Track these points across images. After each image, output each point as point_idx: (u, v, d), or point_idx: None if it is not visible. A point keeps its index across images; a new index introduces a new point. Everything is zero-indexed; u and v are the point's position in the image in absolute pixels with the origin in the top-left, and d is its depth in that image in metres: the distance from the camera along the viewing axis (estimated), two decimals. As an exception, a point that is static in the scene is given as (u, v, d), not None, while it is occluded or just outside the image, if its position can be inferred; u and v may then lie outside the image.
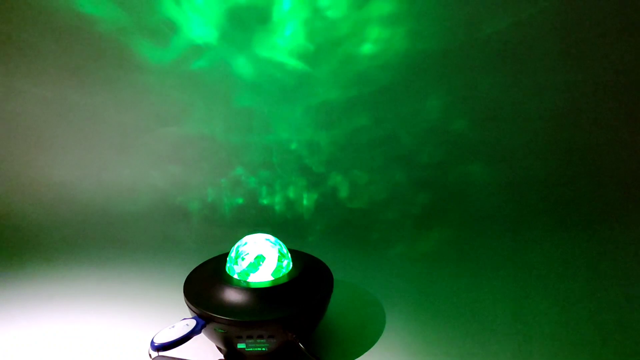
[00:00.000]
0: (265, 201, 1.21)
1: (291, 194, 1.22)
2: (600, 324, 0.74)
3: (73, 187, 1.18)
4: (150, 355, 0.57)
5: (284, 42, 1.17)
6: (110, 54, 1.14)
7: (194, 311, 0.61)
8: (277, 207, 1.21)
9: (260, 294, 0.62)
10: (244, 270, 0.66)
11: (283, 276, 0.66)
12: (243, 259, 0.67)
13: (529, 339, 0.71)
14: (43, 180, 1.18)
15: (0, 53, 1.12)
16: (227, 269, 0.68)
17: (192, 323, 0.59)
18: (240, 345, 0.60)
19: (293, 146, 1.23)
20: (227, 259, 0.69)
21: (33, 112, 1.17)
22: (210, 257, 0.76)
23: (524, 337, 0.71)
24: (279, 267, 0.67)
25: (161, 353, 0.57)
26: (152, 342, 0.56)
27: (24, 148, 1.18)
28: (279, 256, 0.68)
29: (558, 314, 0.78)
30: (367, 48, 1.18)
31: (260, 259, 0.66)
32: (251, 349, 0.60)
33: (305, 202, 1.22)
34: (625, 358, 0.66)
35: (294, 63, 1.19)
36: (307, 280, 0.66)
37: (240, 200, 1.21)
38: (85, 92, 1.17)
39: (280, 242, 0.71)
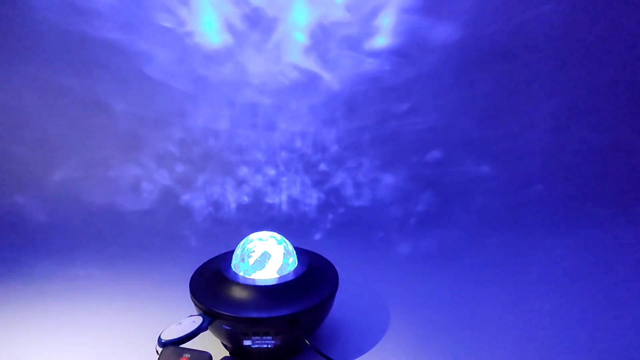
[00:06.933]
0: (270, 200, 1.22)
1: (296, 192, 1.22)
2: (600, 323, 0.74)
3: (77, 186, 1.19)
4: (157, 351, 0.57)
5: (291, 39, 1.17)
6: (117, 50, 1.15)
7: (200, 308, 0.62)
8: (282, 206, 1.22)
9: (266, 291, 0.62)
10: (249, 267, 0.66)
11: (289, 274, 0.66)
12: (249, 256, 0.67)
13: (530, 338, 0.71)
14: (46, 178, 1.19)
15: (2, 47, 1.13)
16: (233, 267, 0.68)
17: (199, 320, 0.60)
18: (246, 342, 0.60)
19: (298, 144, 1.24)
20: (233, 256, 0.70)
21: (36, 109, 1.17)
22: (216, 255, 0.76)
23: (525, 336, 0.71)
24: (284, 264, 0.67)
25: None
26: (159, 338, 0.57)
27: (27, 145, 1.19)
28: (284, 254, 0.68)
29: (558, 314, 0.78)
30: (373, 47, 1.18)
31: (266, 256, 0.67)
32: (257, 346, 0.61)
33: (310, 200, 1.22)
34: (624, 358, 0.66)
35: (299, 61, 1.19)
36: (313, 278, 0.66)
37: (245, 199, 1.22)
38: (90, 89, 1.17)
39: (286, 240, 0.71)
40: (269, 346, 0.61)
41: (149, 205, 1.19)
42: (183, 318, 0.61)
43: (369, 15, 1.16)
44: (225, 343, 0.66)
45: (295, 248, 0.73)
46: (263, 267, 0.66)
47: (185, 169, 1.22)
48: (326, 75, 1.20)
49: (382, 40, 1.18)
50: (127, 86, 1.18)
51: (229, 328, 0.60)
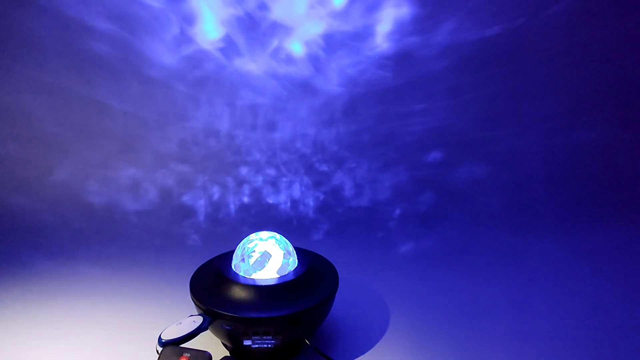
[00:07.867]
0: (270, 200, 1.22)
1: (296, 192, 1.23)
2: (599, 323, 0.75)
3: (77, 186, 1.19)
4: (157, 351, 0.57)
5: (292, 40, 1.18)
6: (117, 49, 1.15)
7: (200, 308, 0.62)
8: (282, 206, 1.22)
9: (266, 291, 0.62)
10: (250, 267, 0.67)
11: (289, 274, 0.66)
12: (250, 256, 0.67)
13: (529, 338, 0.71)
14: (46, 178, 1.19)
15: (3, 47, 1.13)
16: (233, 267, 0.68)
17: (199, 320, 0.60)
18: (247, 342, 0.60)
19: (298, 145, 1.24)
20: (233, 256, 0.70)
21: (36, 109, 1.17)
22: (216, 255, 0.76)
23: (524, 336, 0.71)
24: (284, 264, 0.67)
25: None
26: (160, 338, 0.57)
27: (28, 145, 1.19)
28: (284, 254, 0.68)
29: (557, 314, 0.78)
30: (372, 48, 1.19)
31: (266, 256, 0.67)
32: (257, 346, 0.61)
33: (309, 200, 1.22)
34: (624, 358, 0.66)
35: (300, 62, 1.19)
36: (313, 278, 0.66)
37: (245, 199, 1.22)
38: (90, 89, 1.18)
39: (286, 240, 0.71)
40: (269, 346, 0.61)
41: (149, 205, 1.19)
42: (183, 318, 0.61)
43: (370, 17, 1.16)
44: (225, 343, 0.66)
45: (295, 248, 0.73)
46: (263, 267, 0.66)
47: (186, 169, 1.23)
48: (326, 77, 1.21)
49: (382, 42, 1.18)
50: (127, 86, 1.18)
51: (229, 328, 0.60)
